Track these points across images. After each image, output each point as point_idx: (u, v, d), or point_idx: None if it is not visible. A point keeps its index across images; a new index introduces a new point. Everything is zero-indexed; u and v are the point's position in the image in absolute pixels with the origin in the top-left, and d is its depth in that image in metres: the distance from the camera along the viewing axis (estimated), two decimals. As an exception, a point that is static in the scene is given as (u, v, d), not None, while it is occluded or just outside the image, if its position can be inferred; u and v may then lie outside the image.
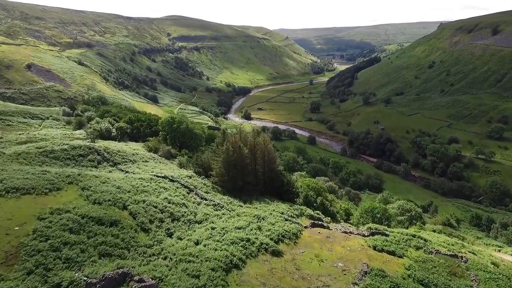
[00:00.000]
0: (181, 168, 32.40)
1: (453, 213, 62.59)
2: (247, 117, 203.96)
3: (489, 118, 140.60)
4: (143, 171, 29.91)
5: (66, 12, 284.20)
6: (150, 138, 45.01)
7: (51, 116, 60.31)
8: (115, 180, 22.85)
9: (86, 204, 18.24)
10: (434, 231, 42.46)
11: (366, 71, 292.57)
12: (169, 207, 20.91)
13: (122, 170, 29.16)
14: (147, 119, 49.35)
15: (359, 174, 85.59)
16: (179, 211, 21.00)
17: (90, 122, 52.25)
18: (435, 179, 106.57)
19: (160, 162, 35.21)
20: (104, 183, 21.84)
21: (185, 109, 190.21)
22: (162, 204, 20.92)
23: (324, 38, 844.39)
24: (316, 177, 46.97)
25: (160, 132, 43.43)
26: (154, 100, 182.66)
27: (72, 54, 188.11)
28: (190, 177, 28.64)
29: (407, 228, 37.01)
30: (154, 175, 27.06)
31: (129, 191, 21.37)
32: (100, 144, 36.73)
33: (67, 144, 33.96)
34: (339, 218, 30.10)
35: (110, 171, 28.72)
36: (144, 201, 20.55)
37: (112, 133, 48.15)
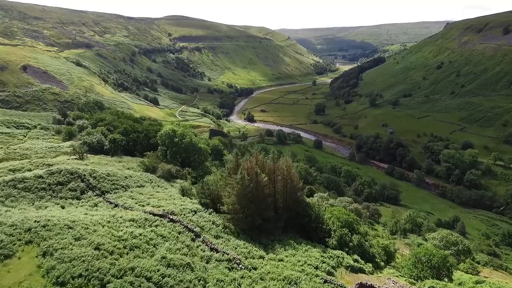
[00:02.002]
0: (183, 196, 26.72)
1: (484, 232, 56.56)
2: (250, 119, 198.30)
3: (504, 121, 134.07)
4: (136, 202, 24.17)
5: (66, 12, 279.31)
6: (148, 153, 39.29)
7: (39, 124, 54.66)
8: (95, 231, 17.05)
9: None
10: (478, 262, 36.51)
11: (371, 71, 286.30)
12: (168, 275, 15.03)
13: (111, 203, 23.42)
14: (144, 130, 43.58)
15: (373, 184, 79.60)
16: (182, 281, 15.10)
17: (81, 133, 46.49)
18: (452, 188, 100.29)
19: (158, 186, 29.47)
20: (78, 239, 15.97)
21: (186, 112, 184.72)
22: (158, 272, 15.00)
23: (325, 38, 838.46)
24: (339, 198, 41.19)
25: (159, 147, 37.74)
26: (155, 102, 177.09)
27: (71, 54, 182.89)
28: (195, 212, 22.91)
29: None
30: (150, 213, 21.33)
31: (111, 252, 15.54)
32: (86, 165, 30.97)
33: (47, 166, 28.25)
34: (379, 260, 24.38)
35: (96, 204, 22.97)
36: (132, 270, 14.68)
37: (105, 146, 42.46)
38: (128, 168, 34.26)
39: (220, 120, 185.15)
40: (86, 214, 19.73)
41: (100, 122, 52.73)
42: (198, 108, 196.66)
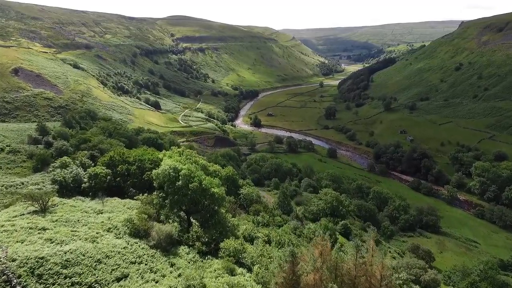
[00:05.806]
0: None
1: None
2: (257, 124, 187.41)
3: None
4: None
5: (65, 12, 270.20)
6: (140, 197, 28.44)
7: (8, 146, 43.88)
8: None
9: None
10: None
11: (382, 73, 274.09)
12: None
13: None
14: (137, 160, 32.70)
15: (408, 208, 68.14)
16: None
17: (53, 163, 35.45)
18: (491, 207, 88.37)
19: (150, 272, 18.66)
20: None
21: (189, 116, 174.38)
22: None
23: (328, 39, 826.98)
24: (406, 263, 29.88)
25: (155, 192, 26.92)
26: (156, 106, 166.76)
27: (68, 56, 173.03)
28: None
29: None
30: None
31: None
32: (43, 230, 20.17)
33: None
34: None
35: None
36: None
37: (83, 184, 31.55)
38: (109, 229, 23.31)
39: (225, 125, 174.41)
40: None
41: (84, 143, 41.96)
42: (202, 112, 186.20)
